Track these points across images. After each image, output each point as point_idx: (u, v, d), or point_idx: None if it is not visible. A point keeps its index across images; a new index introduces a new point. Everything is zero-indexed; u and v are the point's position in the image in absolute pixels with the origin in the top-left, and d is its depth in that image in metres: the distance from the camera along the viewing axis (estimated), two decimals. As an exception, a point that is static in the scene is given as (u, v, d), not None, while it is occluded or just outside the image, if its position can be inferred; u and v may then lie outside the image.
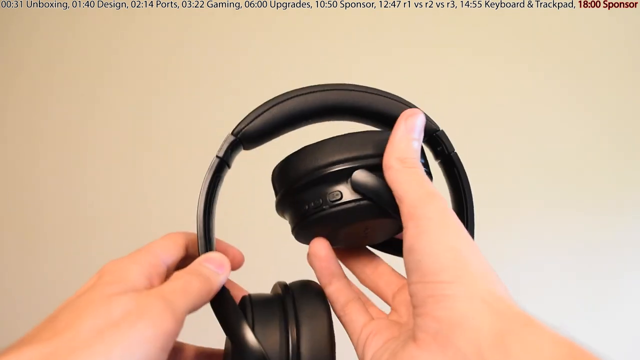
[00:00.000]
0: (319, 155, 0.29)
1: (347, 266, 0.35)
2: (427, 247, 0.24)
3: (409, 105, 0.31)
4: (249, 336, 0.25)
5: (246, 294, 0.30)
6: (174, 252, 0.28)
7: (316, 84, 0.31)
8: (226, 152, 0.30)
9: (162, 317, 0.21)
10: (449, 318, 0.22)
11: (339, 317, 0.32)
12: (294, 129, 0.31)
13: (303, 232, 0.31)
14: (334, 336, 0.27)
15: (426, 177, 0.27)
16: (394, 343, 0.27)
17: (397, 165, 0.27)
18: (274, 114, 0.30)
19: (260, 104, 0.30)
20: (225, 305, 0.27)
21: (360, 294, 0.33)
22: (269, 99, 0.30)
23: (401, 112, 0.29)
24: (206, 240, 0.28)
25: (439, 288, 0.23)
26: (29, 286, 0.96)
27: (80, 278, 0.26)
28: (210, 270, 0.26)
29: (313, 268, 0.32)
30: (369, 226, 0.31)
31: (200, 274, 0.26)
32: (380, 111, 0.31)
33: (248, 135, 0.30)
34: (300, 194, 0.30)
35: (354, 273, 0.35)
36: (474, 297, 0.22)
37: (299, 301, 0.28)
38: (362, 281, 0.35)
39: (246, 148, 0.31)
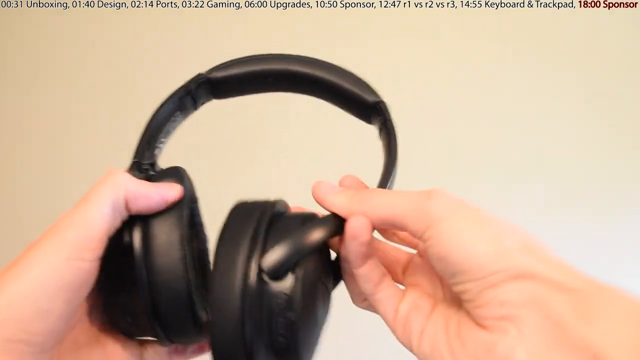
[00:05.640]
0: None
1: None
2: (461, 251, 0.23)
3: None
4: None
5: None
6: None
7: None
8: (190, 82, 0.31)
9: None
10: (518, 299, 0.22)
11: (370, 296, 0.28)
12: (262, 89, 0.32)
13: None
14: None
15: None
16: (440, 319, 0.26)
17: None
18: (247, 66, 0.32)
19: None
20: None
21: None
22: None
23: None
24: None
25: (493, 279, 0.22)
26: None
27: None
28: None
29: (347, 249, 0.26)
30: None
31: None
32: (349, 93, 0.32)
33: (218, 79, 0.31)
34: None
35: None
36: (534, 271, 0.22)
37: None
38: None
39: (216, 95, 0.32)
